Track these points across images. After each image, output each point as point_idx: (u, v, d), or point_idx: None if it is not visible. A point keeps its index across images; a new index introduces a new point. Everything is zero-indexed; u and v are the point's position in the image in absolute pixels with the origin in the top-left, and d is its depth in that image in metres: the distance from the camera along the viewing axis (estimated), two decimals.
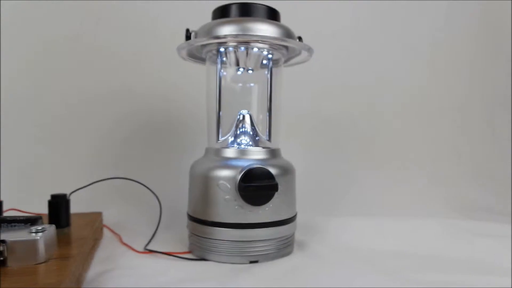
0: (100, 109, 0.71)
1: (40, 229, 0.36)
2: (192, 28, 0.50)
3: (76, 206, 0.52)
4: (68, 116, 0.70)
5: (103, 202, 0.63)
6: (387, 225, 0.58)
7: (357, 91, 0.81)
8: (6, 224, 0.37)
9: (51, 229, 0.38)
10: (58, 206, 0.44)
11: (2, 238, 0.33)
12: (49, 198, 0.47)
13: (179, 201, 0.58)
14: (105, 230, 0.59)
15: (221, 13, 0.50)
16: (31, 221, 0.38)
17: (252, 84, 0.57)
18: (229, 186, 0.46)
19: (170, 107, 0.73)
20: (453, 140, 0.86)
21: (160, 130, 0.72)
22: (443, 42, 0.86)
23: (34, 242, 0.34)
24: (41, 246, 0.34)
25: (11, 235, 0.34)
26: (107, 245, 0.54)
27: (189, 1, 0.72)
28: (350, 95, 0.81)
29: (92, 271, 0.43)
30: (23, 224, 0.38)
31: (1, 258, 0.33)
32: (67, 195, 0.46)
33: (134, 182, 0.59)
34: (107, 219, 0.61)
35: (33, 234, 0.35)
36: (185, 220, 0.52)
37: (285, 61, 0.56)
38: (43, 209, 0.48)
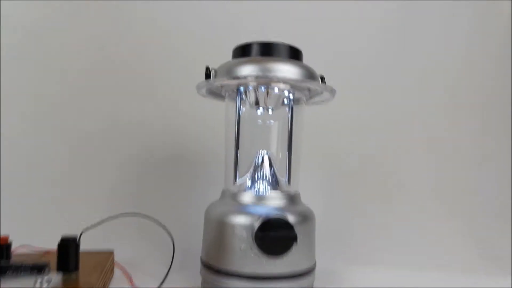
0: (115, 143, 0.70)
1: (45, 279, 0.34)
2: (212, 65, 0.49)
3: (88, 243, 0.51)
4: (82, 150, 0.69)
5: (115, 240, 0.61)
6: (409, 277, 0.55)
7: (380, 131, 0.78)
8: (11, 271, 0.36)
9: (57, 279, 0.36)
10: (67, 249, 0.43)
11: None
12: (61, 235, 0.45)
13: (194, 242, 0.56)
14: (116, 269, 0.57)
15: (242, 52, 0.48)
16: (38, 268, 0.36)
17: (272, 121, 0.55)
18: (245, 234, 0.43)
19: (188, 142, 0.71)
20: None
21: (177, 166, 0.70)
22: (463, 80, 0.82)
23: None
24: None
25: (17, 285, 0.33)
26: (117, 285, 0.52)
27: (210, 37, 0.72)
28: (371, 135, 0.77)
29: None
30: (29, 271, 0.36)
31: None
32: (77, 239, 0.44)
33: (147, 220, 0.57)
34: (119, 257, 0.59)
35: (38, 285, 0.33)
36: (199, 261, 0.50)
37: (307, 100, 0.54)
38: (54, 244, 0.47)
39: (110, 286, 0.51)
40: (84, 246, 0.48)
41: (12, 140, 0.67)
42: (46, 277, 0.35)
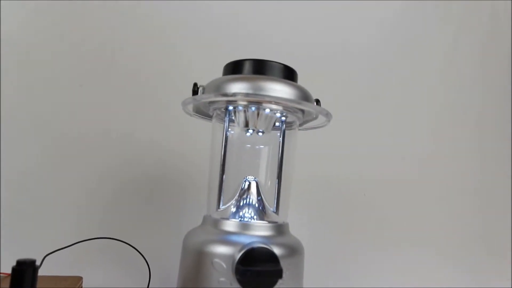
0: (92, 158, 0.65)
1: None
2: (201, 83, 0.46)
3: (56, 268, 0.46)
4: (50, 165, 0.64)
5: (86, 265, 0.57)
6: None
7: (374, 157, 0.75)
8: None
9: None
10: (23, 274, 0.38)
11: None
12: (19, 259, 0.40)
13: (172, 269, 0.51)
14: None
15: (233, 69, 0.45)
16: None
17: (261, 146, 0.52)
18: (225, 266, 0.39)
19: (169, 161, 0.67)
20: (471, 218, 0.78)
21: (156, 187, 0.66)
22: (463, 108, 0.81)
23: None
24: None
25: None
26: None
27: (203, 53, 0.69)
28: (362, 164, 0.75)
29: None
30: None
31: None
32: (35, 262, 0.40)
33: (121, 244, 0.52)
34: (89, 283, 0.54)
35: None
36: None
37: (300, 125, 0.51)
38: None
39: None
40: (51, 271, 0.44)
41: None
42: None
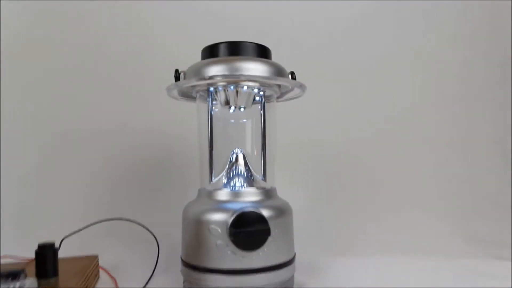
0: (93, 147, 0.70)
1: (19, 285, 0.35)
2: (182, 68, 0.50)
3: (71, 250, 0.51)
4: (58, 154, 0.70)
5: (100, 244, 0.62)
6: (390, 265, 0.56)
7: (361, 123, 0.79)
8: None
9: (32, 284, 0.36)
10: (45, 256, 0.43)
11: None
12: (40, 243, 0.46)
13: (178, 243, 0.57)
14: (102, 273, 0.58)
15: (210, 52, 0.49)
16: (13, 275, 0.37)
17: (245, 120, 0.56)
18: (220, 230, 0.44)
19: (167, 144, 0.72)
20: (464, 174, 0.81)
21: (158, 168, 0.71)
22: (455, 72, 0.83)
23: None
24: None
25: None
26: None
27: (183, 38, 0.73)
28: (353, 128, 0.78)
29: None
30: (4, 278, 0.37)
31: None
32: (55, 245, 0.45)
33: (131, 223, 0.58)
34: (103, 262, 0.59)
35: None
36: None
37: (278, 97, 0.55)
38: None
39: None
40: (67, 253, 0.49)
41: None
42: (18, 283, 0.35)
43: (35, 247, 0.48)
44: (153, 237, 0.58)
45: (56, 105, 0.70)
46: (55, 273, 0.44)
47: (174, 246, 0.59)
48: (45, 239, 0.47)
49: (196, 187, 0.53)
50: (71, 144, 0.70)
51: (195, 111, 0.56)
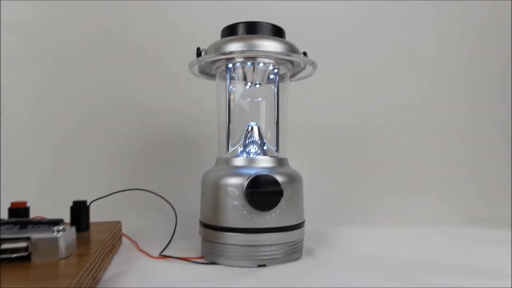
0: (116, 122, 0.76)
1: (61, 228, 0.39)
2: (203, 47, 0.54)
3: (95, 216, 0.56)
4: (86, 130, 0.76)
5: (121, 212, 0.66)
6: (394, 234, 0.60)
7: (367, 103, 0.83)
8: (32, 225, 0.41)
9: (72, 230, 0.41)
10: (79, 211, 0.48)
11: (27, 236, 0.37)
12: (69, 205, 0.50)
13: (194, 211, 0.61)
14: (123, 239, 0.62)
15: (229, 31, 0.53)
16: (54, 223, 0.41)
17: (260, 99, 0.60)
18: (237, 192, 0.48)
19: (183, 121, 0.77)
20: (465, 153, 0.86)
21: (174, 143, 0.77)
22: (457, 57, 0.88)
23: (55, 240, 0.37)
24: (62, 244, 0.38)
25: (35, 234, 0.38)
26: (124, 251, 0.57)
27: (201, 22, 0.78)
28: (359, 107, 0.83)
29: (109, 272, 0.46)
30: (46, 225, 0.41)
31: (26, 253, 0.37)
32: (87, 202, 0.50)
33: (150, 193, 0.62)
34: (125, 228, 0.64)
35: (55, 233, 0.38)
36: (198, 230, 0.55)
37: (291, 76, 0.59)
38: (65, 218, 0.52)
39: (118, 253, 0.56)
40: (92, 219, 0.53)
41: (21, 121, 0.74)
42: (62, 227, 0.40)
43: (64, 212, 0.53)
44: (170, 206, 0.62)
45: (86, 86, 0.76)
46: (87, 227, 0.49)
47: (191, 214, 0.64)
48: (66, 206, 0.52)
49: (210, 161, 0.58)
50: (97, 122, 0.76)
51: (211, 91, 0.61)
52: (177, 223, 0.63)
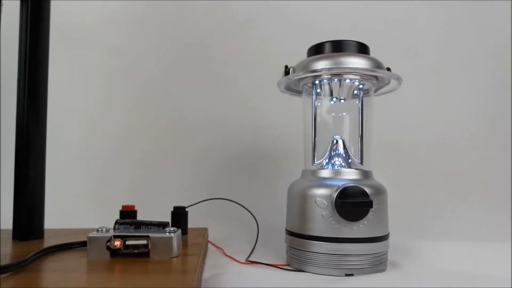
0: (207, 136, 0.82)
1: (173, 230, 0.44)
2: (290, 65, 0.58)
3: None
4: (171, 142, 0.82)
5: (205, 220, 0.71)
6: (479, 250, 0.58)
7: (447, 116, 0.84)
8: (144, 226, 0.46)
9: (179, 232, 0.45)
10: (180, 216, 0.53)
11: (146, 234, 0.42)
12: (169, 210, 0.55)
13: (275, 221, 0.64)
14: (208, 245, 0.66)
15: (316, 50, 0.56)
16: (162, 225, 0.46)
17: (344, 114, 0.62)
18: (326, 203, 0.50)
19: (268, 136, 0.82)
20: None
21: (259, 156, 0.81)
22: None
23: (170, 239, 0.42)
24: (175, 243, 0.42)
25: (152, 233, 0.42)
26: (212, 256, 0.60)
27: (285, 42, 0.82)
28: (438, 120, 0.84)
29: (206, 274, 0.50)
30: (156, 227, 0.46)
31: (146, 250, 0.41)
32: (185, 208, 0.54)
33: (229, 202, 0.66)
34: (209, 236, 0.68)
35: (168, 233, 0.43)
36: (280, 238, 0.57)
37: (375, 91, 0.61)
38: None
39: (207, 258, 0.60)
40: None
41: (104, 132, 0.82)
42: (173, 229, 0.44)
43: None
44: (251, 216, 0.66)
45: (171, 100, 0.83)
46: (186, 231, 0.53)
47: (272, 224, 0.67)
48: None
49: (289, 176, 0.61)
50: (180, 135, 0.83)
51: (296, 107, 0.64)
52: (259, 233, 0.66)
